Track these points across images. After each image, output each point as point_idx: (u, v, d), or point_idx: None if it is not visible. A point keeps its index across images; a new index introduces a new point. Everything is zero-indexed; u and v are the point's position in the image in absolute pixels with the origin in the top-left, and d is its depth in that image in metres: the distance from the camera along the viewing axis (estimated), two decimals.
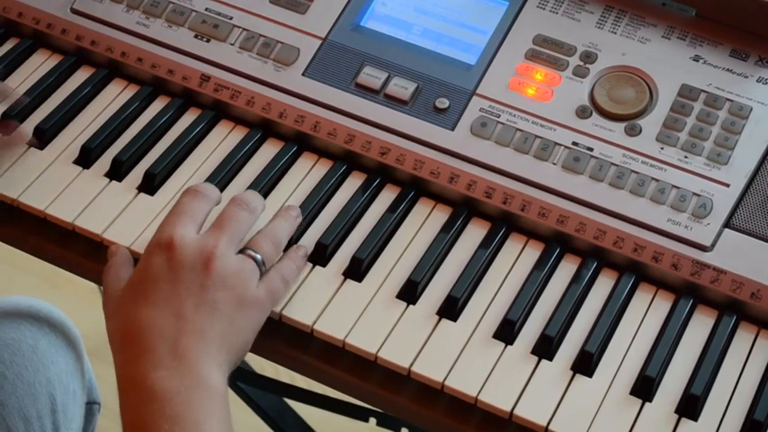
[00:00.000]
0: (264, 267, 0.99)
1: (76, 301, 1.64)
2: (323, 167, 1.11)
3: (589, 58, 1.12)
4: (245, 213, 1.00)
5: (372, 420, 1.54)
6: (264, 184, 1.09)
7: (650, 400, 0.97)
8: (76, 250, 1.07)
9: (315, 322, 1.01)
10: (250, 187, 1.09)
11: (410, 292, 1.03)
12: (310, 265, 1.04)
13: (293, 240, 1.05)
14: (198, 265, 0.95)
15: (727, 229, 1.04)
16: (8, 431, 1.13)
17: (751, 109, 1.08)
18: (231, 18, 1.17)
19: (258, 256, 0.98)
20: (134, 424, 0.91)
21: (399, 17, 1.16)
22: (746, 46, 1.11)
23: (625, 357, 1.00)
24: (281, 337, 1.02)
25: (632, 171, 1.07)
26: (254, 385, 1.60)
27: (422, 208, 1.09)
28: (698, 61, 1.11)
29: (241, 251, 0.99)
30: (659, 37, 1.12)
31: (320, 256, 1.05)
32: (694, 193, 1.05)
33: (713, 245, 1.04)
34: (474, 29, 1.15)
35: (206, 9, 1.17)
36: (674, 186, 1.06)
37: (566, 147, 1.08)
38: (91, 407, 1.25)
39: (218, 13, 1.17)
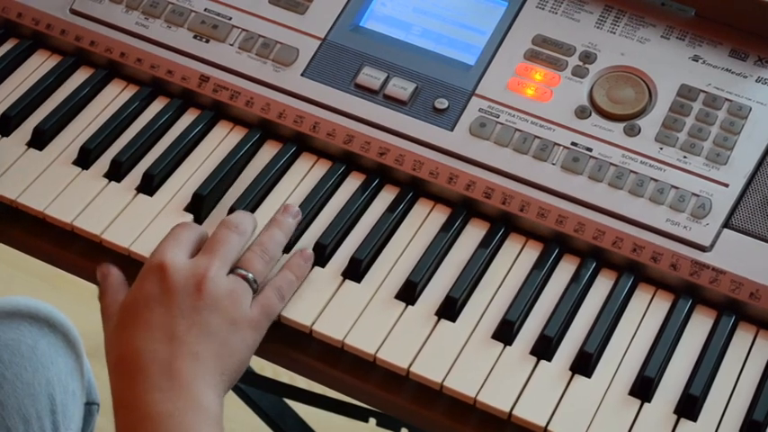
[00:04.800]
0: (257, 285, 0.99)
1: (76, 302, 1.64)
2: (322, 168, 1.11)
3: (588, 58, 1.12)
4: (236, 236, 1.00)
5: (372, 420, 1.54)
6: (263, 185, 1.09)
7: (649, 401, 0.97)
8: (76, 251, 1.07)
9: (314, 323, 1.01)
10: (249, 188, 1.09)
11: (409, 293, 1.03)
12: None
13: (293, 241, 1.05)
14: (190, 288, 0.95)
15: (726, 230, 1.04)
16: (7, 431, 1.13)
17: (750, 109, 1.08)
18: (230, 18, 1.17)
19: (250, 275, 0.98)
20: None
21: (398, 17, 1.16)
22: (746, 46, 1.11)
23: (624, 358, 1.00)
24: (280, 337, 1.02)
25: (631, 171, 1.07)
26: (253, 385, 1.60)
27: (421, 208, 1.09)
28: (697, 61, 1.11)
29: (233, 271, 0.99)
30: (658, 37, 1.12)
31: (319, 256, 1.04)
32: (693, 194, 1.05)
33: (712, 245, 1.04)
34: (473, 29, 1.14)
35: (205, 9, 1.17)
36: (673, 186, 1.06)
37: (565, 147, 1.08)
38: (90, 407, 1.25)
39: (218, 14, 1.17)
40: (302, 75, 1.13)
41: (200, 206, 1.07)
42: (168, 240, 0.99)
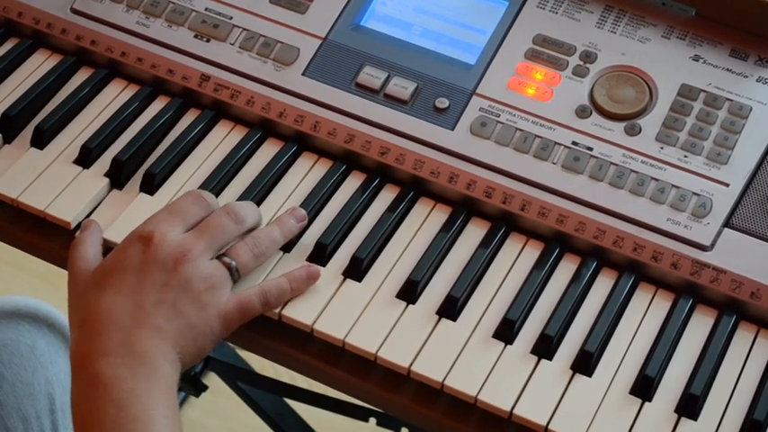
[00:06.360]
0: (238, 275, 0.99)
1: None
2: (322, 167, 1.11)
3: (589, 57, 1.12)
4: (231, 223, 1.00)
5: (372, 420, 1.54)
6: (264, 184, 1.09)
7: (650, 400, 0.98)
8: None
9: (314, 322, 1.01)
10: (249, 187, 1.09)
11: (410, 292, 1.03)
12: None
13: (294, 240, 1.05)
14: (168, 264, 0.96)
15: (726, 229, 1.04)
16: (7, 431, 1.13)
17: (750, 109, 1.08)
18: (231, 18, 1.17)
19: (233, 264, 0.98)
20: (80, 405, 0.92)
21: (399, 17, 1.16)
22: (746, 46, 1.11)
23: (625, 357, 1.00)
24: (281, 336, 1.02)
25: (632, 171, 1.07)
26: (254, 385, 1.60)
27: (421, 208, 1.09)
28: (698, 61, 1.11)
29: (218, 257, 0.99)
30: (659, 37, 1.12)
31: (320, 255, 1.05)
32: (694, 193, 1.05)
33: (713, 244, 1.04)
34: (474, 29, 1.15)
35: (206, 9, 1.17)
36: (673, 186, 1.06)
37: (565, 146, 1.08)
38: None
39: (218, 13, 1.17)
40: (303, 74, 1.14)
41: None
42: (169, 211, 1.00)
